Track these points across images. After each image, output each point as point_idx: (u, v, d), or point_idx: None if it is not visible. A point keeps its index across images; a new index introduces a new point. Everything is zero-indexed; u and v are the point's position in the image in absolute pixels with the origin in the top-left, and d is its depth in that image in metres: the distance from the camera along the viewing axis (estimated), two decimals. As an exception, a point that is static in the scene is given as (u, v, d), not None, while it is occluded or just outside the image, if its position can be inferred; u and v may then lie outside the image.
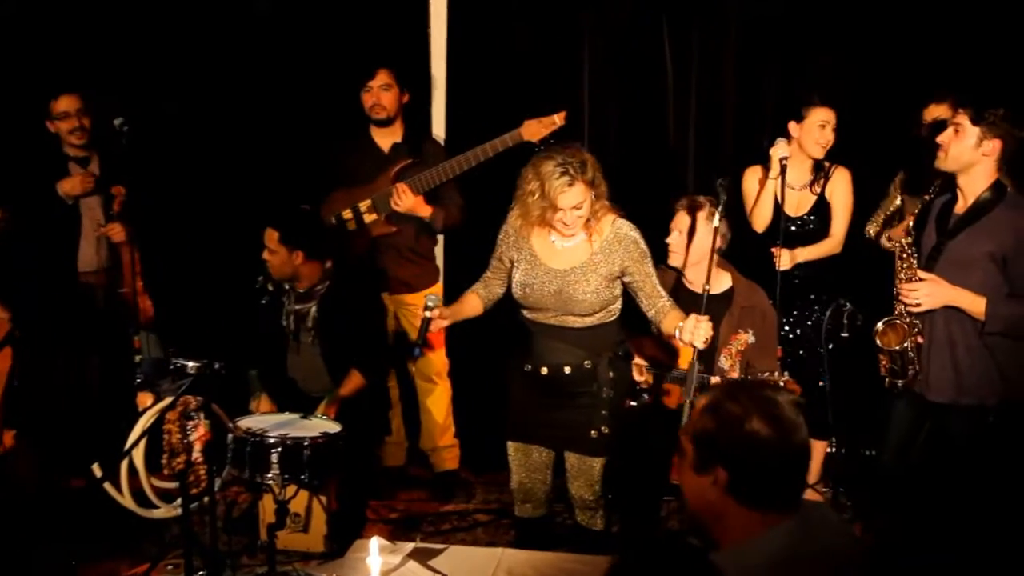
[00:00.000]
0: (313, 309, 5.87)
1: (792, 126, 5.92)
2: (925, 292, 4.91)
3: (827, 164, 6.03)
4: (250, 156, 6.90)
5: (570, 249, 4.89)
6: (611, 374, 4.96)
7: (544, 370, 4.92)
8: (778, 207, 5.85)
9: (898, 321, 5.02)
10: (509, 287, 5.06)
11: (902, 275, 5.04)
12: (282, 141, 6.85)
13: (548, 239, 4.89)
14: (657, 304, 4.86)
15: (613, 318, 4.99)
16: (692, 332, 4.60)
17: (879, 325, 5.05)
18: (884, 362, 5.10)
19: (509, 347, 5.10)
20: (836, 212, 6.02)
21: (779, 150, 5.71)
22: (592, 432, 4.91)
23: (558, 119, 5.94)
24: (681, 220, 5.53)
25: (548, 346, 4.92)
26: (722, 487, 2.82)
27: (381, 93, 6.26)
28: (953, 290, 4.88)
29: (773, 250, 5.78)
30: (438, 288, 6.51)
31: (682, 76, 6.89)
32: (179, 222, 6.69)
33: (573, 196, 4.68)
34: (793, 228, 6.02)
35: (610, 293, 4.91)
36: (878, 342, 5.04)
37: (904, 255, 5.05)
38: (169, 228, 6.58)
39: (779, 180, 5.68)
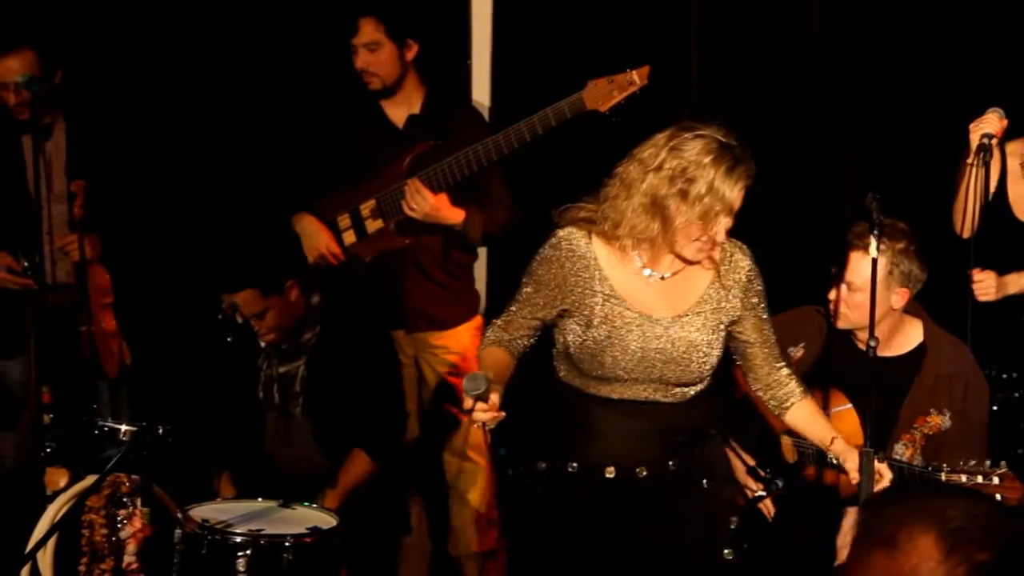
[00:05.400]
0: (302, 369, 5.30)
1: None
2: None
3: None
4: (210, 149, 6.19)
5: (672, 284, 4.05)
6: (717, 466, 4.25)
7: (610, 472, 4.10)
8: (987, 206, 5.10)
9: None
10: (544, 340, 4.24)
11: None
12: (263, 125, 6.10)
13: (634, 267, 4.03)
14: (773, 376, 4.13)
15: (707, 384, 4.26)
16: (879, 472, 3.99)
17: None
18: None
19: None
20: None
21: (982, 125, 4.94)
22: (723, 553, 4.14)
23: (637, 77, 5.07)
24: (859, 266, 4.55)
25: (618, 433, 4.12)
26: None
27: (367, 54, 5.57)
28: None
29: (972, 273, 5.01)
30: (477, 322, 5.74)
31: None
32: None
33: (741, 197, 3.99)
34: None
35: (722, 348, 4.17)
36: None
37: None
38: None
39: (979, 168, 4.95)
